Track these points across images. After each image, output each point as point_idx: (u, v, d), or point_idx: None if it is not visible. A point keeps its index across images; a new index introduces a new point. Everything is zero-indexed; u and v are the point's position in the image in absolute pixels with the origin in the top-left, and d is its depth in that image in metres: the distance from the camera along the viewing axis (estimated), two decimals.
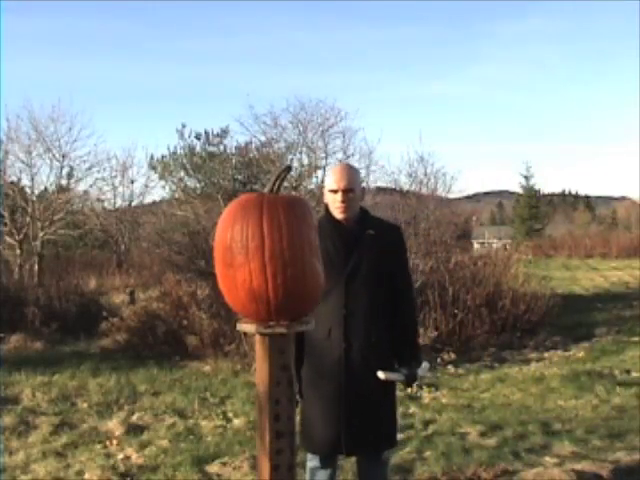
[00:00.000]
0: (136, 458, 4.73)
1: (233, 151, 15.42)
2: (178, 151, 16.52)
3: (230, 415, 5.84)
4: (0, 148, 18.20)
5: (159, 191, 30.86)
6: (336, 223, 3.04)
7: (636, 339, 9.14)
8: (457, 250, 10.95)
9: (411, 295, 3.19)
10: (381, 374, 2.94)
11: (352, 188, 3.00)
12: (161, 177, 17.98)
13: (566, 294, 13.24)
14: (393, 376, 2.98)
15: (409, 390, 6.52)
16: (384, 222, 3.27)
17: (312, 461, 3.12)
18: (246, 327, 2.20)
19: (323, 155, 13.12)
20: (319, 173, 13.18)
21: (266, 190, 2.26)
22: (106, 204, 23.52)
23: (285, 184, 6.70)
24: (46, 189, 19.95)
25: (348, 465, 4.02)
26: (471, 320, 8.58)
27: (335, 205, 3.02)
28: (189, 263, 10.99)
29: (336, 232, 3.02)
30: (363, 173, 11.17)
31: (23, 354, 8.67)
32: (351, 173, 3.06)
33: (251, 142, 14.43)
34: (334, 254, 2.96)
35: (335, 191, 3.00)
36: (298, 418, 3.11)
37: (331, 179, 3.04)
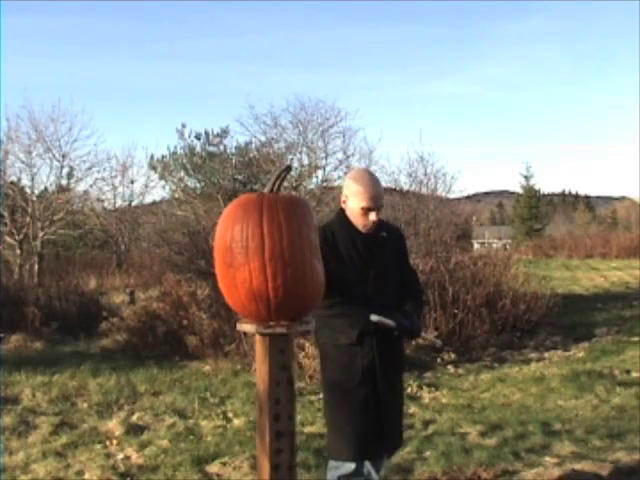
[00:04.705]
0: (136, 458, 4.73)
1: (233, 151, 15.44)
2: (178, 151, 16.54)
3: (230, 415, 5.83)
4: (0, 148, 18.22)
5: (159, 191, 30.86)
6: (354, 229, 3.03)
7: (636, 339, 9.13)
8: (457, 250, 10.94)
9: (419, 283, 3.33)
10: (374, 317, 2.85)
11: (383, 204, 3.03)
12: (161, 177, 18.00)
13: (566, 294, 13.22)
14: (388, 322, 2.89)
15: (409, 390, 6.53)
16: (387, 223, 3.35)
17: (341, 469, 2.97)
18: (246, 327, 2.20)
19: (323, 155, 13.15)
20: (319, 173, 13.21)
21: (266, 190, 2.26)
22: (106, 204, 23.59)
23: (285, 184, 6.70)
24: (46, 189, 20.01)
25: None
26: (471, 320, 8.57)
27: (364, 222, 2.97)
28: (189, 263, 10.98)
29: (356, 237, 3.02)
30: None
31: (23, 354, 8.66)
32: (381, 188, 3.03)
33: (251, 142, 14.48)
34: (357, 258, 2.98)
35: (370, 209, 2.94)
36: (326, 428, 3.08)
37: (364, 194, 2.94)
